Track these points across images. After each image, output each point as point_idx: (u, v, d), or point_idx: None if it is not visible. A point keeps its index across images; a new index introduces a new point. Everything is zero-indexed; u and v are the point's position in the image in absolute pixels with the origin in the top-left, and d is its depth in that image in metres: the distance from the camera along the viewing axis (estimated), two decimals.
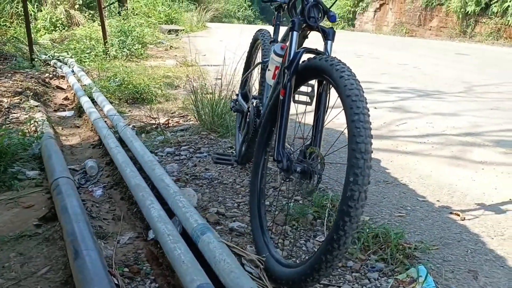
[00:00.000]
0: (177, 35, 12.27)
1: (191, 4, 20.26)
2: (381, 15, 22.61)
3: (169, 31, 12.48)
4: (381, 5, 22.15)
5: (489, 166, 2.96)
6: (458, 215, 2.24)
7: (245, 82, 2.90)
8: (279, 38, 2.41)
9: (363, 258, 1.87)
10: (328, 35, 1.79)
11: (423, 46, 12.83)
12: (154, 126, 3.63)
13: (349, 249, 1.90)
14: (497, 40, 14.93)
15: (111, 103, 4.21)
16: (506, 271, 1.80)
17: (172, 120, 3.91)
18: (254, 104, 2.47)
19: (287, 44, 1.87)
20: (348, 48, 10.73)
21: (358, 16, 24.49)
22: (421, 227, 2.12)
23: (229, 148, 3.12)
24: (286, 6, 2.05)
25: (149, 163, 2.62)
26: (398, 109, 4.44)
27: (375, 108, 4.38)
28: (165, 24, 14.13)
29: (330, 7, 1.86)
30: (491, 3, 15.06)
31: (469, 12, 16.01)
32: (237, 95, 2.92)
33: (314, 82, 1.78)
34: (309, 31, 1.93)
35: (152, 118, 3.75)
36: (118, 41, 7.53)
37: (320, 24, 1.83)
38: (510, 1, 13.80)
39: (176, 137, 3.34)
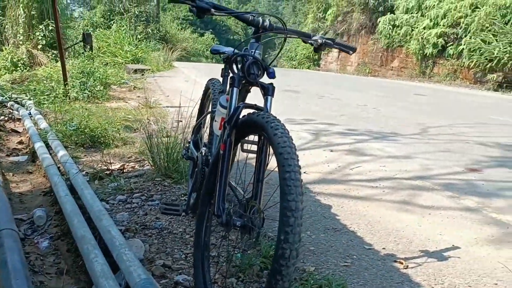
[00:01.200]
0: (142, 74, 12.34)
1: (158, 43, 20.49)
2: (345, 56, 23.37)
3: (135, 71, 12.56)
4: None
5: (436, 211, 3.04)
6: (402, 263, 2.28)
7: (197, 129, 2.92)
8: (227, 89, 2.46)
9: None
10: (267, 91, 1.84)
11: (383, 86, 13.26)
12: (108, 173, 3.58)
13: None
14: (454, 80, 15.61)
15: (67, 147, 4.15)
16: None
17: (128, 165, 3.87)
18: (203, 153, 2.49)
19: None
20: (311, 88, 11.00)
21: (323, 56, 25.26)
22: (365, 277, 2.14)
23: (182, 196, 3.11)
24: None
25: (97, 212, 2.58)
26: (353, 152, 4.53)
27: (331, 151, 4.43)
28: (131, 63, 14.20)
29: (269, 64, 1.93)
30: (447, 45, 15.82)
31: (427, 54, 16.75)
32: (189, 142, 2.93)
33: None
34: (250, 87, 1.98)
35: (107, 163, 3.70)
36: (80, 82, 7.48)
37: (260, 80, 1.88)
38: (464, 44, 14.52)
39: (130, 184, 3.30)
